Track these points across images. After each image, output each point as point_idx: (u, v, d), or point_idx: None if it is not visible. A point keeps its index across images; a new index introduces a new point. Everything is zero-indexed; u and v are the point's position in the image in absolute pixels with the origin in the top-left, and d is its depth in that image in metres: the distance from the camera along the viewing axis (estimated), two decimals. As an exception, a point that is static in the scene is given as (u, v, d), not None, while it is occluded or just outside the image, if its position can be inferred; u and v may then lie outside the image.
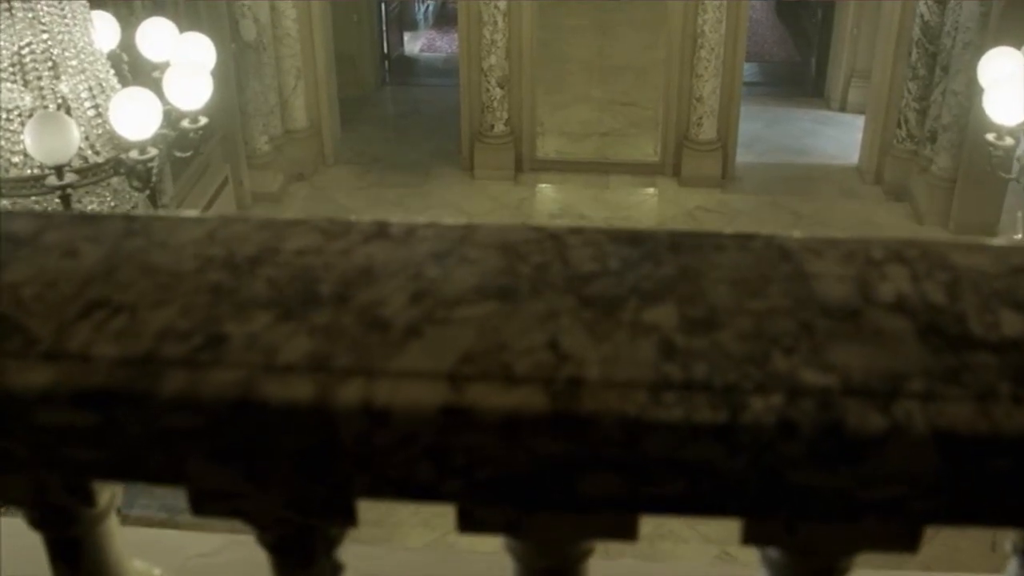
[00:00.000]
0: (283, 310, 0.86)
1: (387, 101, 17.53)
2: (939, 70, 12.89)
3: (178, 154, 4.57)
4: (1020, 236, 6.24)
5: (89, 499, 0.93)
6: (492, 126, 14.04)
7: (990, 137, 4.14)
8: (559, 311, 0.84)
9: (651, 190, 14.18)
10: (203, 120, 4.42)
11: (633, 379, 0.78)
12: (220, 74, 12.87)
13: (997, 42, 11.69)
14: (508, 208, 13.63)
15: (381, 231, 0.96)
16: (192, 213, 1.03)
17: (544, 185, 14.32)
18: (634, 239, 0.94)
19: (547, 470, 0.79)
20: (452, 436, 0.78)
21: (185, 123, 4.38)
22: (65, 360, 0.82)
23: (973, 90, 12.24)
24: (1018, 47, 11.52)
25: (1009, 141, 4.08)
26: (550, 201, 14.06)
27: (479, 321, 0.83)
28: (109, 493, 1.00)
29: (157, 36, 4.78)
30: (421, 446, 0.79)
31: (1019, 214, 5.17)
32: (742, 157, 14.51)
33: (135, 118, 3.98)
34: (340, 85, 15.28)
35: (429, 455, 0.79)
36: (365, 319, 0.84)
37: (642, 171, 14.40)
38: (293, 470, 0.83)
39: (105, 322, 0.85)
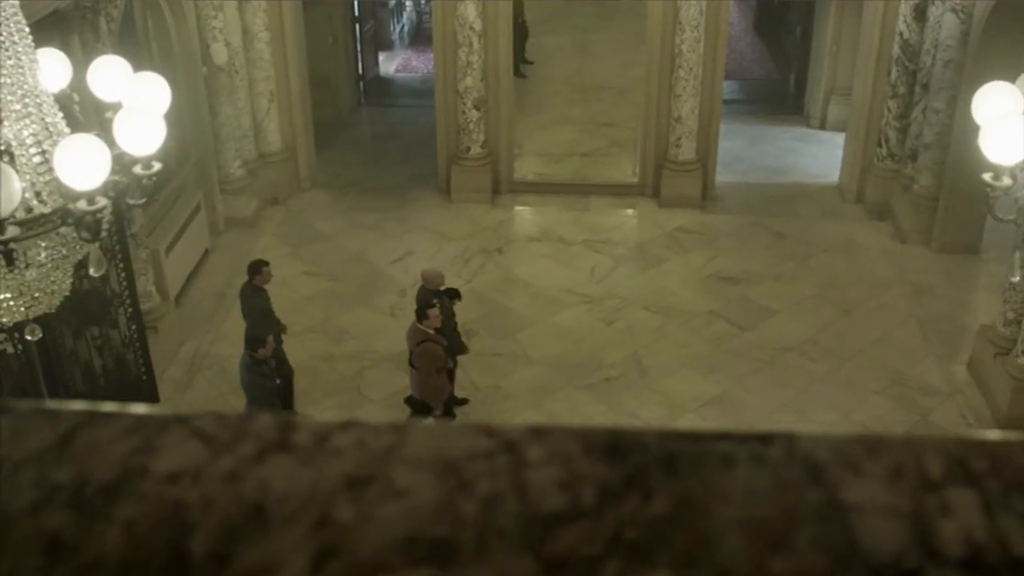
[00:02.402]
0: (138, 583, 0.63)
1: (363, 123, 17.31)
2: (919, 88, 12.76)
3: (131, 202, 4.30)
4: (1017, 279, 6.06)
5: None
6: (468, 148, 13.82)
7: (987, 177, 3.93)
8: (513, 584, 0.62)
9: (631, 211, 13.99)
10: (156, 166, 4.14)
11: None
12: (191, 99, 12.64)
13: (978, 60, 11.60)
14: (487, 231, 13.43)
15: (283, 440, 0.73)
16: (49, 404, 0.80)
17: (522, 208, 14.11)
18: (615, 450, 0.71)
19: None
20: None
21: (138, 169, 4.12)
22: None
23: (955, 108, 12.17)
24: (999, 65, 11.37)
25: (1007, 181, 3.88)
26: (529, 224, 13.86)
27: (403, 604, 0.61)
28: None
29: (110, 75, 4.50)
30: None
31: (1017, 255, 4.97)
32: (722, 177, 14.36)
33: (82, 166, 3.71)
34: (315, 107, 15.05)
35: None
36: (248, 599, 0.62)
37: (621, 192, 14.21)
38: None
39: None
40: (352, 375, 10.71)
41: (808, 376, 10.71)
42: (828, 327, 11.48)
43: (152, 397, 10.40)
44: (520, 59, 18.10)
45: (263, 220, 13.82)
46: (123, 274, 9.98)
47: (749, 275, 12.46)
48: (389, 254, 12.73)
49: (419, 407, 9.42)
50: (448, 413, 9.51)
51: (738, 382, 10.62)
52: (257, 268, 9.85)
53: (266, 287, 9.96)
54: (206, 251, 12.88)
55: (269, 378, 8.90)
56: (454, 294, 9.89)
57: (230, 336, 11.53)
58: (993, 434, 0.74)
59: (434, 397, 9.29)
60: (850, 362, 10.90)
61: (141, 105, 4.01)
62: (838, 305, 11.86)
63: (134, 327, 10.20)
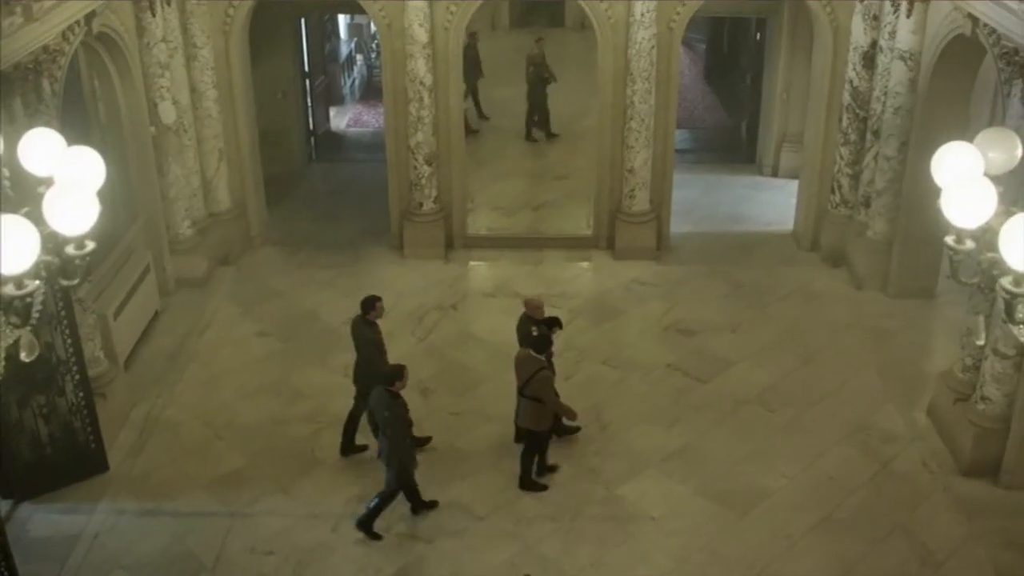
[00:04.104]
0: None
1: (315, 178, 17.15)
2: (870, 135, 12.81)
3: (64, 283, 4.10)
4: (981, 342, 6.01)
5: None
6: (421, 204, 13.68)
7: (949, 240, 3.86)
8: None
9: (585, 264, 13.89)
10: (90, 245, 3.95)
11: None
12: (139, 159, 12.46)
13: (927, 106, 11.66)
14: (441, 286, 13.28)
15: None
16: None
17: (476, 262, 13.96)
18: None
19: None
20: None
21: (70, 249, 3.92)
22: None
23: (906, 154, 12.21)
24: (948, 111, 11.46)
25: (969, 244, 3.80)
26: (483, 279, 13.70)
27: None
28: None
29: (42, 148, 4.30)
30: None
31: (980, 318, 4.91)
32: (677, 226, 14.30)
33: (8, 249, 3.51)
34: (266, 164, 14.87)
35: None
36: None
37: (576, 245, 14.14)
38: None
39: None
40: (305, 437, 10.49)
41: (769, 426, 10.62)
42: (788, 376, 11.42)
43: (101, 465, 10.12)
44: (544, 119, 18.09)
45: (214, 279, 13.61)
46: (69, 340, 9.71)
47: (707, 325, 12.39)
48: (343, 312, 12.52)
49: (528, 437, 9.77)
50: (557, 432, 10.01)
51: (700, 434, 10.51)
52: (371, 304, 10.05)
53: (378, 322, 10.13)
54: (156, 313, 12.64)
55: (406, 410, 8.94)
56: (553, 322, 9.99)
57: (182, 399, 11.24)
58: None
59: (543, 422, 9.57)
60: (811, 411, 10.83)
61: (73, 181, 3.83)
62: (797, 354, 11.81)
63: (81, 394, 9.92)
